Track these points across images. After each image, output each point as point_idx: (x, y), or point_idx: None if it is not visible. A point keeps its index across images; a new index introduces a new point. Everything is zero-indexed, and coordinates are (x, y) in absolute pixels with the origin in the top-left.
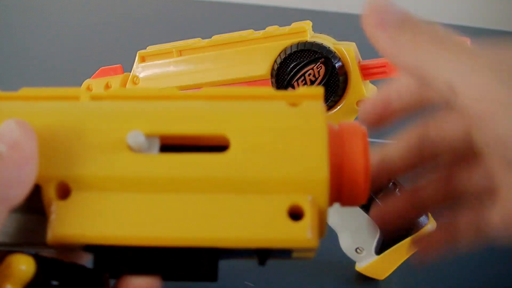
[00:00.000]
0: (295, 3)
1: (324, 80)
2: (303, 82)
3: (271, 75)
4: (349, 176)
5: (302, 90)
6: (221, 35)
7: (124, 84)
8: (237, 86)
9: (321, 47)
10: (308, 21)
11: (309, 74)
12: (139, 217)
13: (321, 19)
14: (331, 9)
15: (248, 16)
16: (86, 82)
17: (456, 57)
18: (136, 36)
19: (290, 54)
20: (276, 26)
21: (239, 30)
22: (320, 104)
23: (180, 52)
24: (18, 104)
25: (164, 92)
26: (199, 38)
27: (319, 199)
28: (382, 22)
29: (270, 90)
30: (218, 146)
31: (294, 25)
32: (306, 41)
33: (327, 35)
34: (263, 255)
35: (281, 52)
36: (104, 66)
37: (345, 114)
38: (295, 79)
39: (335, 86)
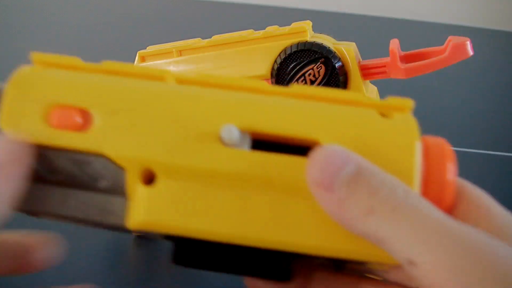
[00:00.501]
0: (295, 3)
1: (324, 80)
2: (303, 82)
3: (271, 75)
4: (435, 193)
5: (392, 100)
6: (221, 35)
7: None
8: (325, 88)
9: (321, 47)
10: (308, 21)
11: (309, 74)
12: (226, 213)
13: (321, 19)
14: (331, 9)
15: (248, 16)
16: None
17: (418, 231)
18: (136, 36)
19: (290, 54)
20: (276, 26)
21: (239, 30)
22: (413, 120)
23: (180, 52)
24: (104, 78)
25: (253, 84)
26: (199, 38)
27: None
28: (330, 182)
29: (360, 95)
30: (304, 147)
31: (294, 25)
32: (306, 41)
33: (327, 35)
34: (340, 262)
35: (281, 52)
36: None
37: None
38: (295, 79)
39: (335, 86)
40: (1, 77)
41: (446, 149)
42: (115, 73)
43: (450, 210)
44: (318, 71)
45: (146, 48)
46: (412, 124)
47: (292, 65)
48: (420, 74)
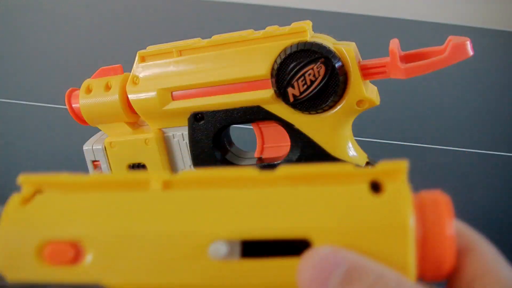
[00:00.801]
0: (295, 3)
1: (324, 80)
2: (303, 82)
3: (271, 75)
4: (435, 253)
5: (384, 166)
6: (221, 35)
7: (124, 84)
8: (313, 164)
9: (321, 47)
10: (308, 21)
11: (309, 74)
12: None
13: (321, 19)
14: (331, 9)
15: (248, 16)
16: (86, 82)
17: None
18: (136, 36)
19: (290, 54)
20: (276, 26)
21: (239, 30)
22: (406, 190)
23: (180, 52)
24: (92, 203)
25: (240, 175)
26: (199, 38)
27: None
28: (323, 283)
29: (349, 167)
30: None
31: (294, 25)
32: (306, 41)
33: (327, 35)
34: None
35: (281, 52)
36: (104, 66)
37: (345, 114)
38: (295, 79)
39: (335, 86)
40: (1, 77)
41: (442, 204)
42: (102, 186)
43: (454, 266)
44: (318, 71)
45: (146, 48)
46: (404, 197)
47: (292, 65)
48: (420, 74)
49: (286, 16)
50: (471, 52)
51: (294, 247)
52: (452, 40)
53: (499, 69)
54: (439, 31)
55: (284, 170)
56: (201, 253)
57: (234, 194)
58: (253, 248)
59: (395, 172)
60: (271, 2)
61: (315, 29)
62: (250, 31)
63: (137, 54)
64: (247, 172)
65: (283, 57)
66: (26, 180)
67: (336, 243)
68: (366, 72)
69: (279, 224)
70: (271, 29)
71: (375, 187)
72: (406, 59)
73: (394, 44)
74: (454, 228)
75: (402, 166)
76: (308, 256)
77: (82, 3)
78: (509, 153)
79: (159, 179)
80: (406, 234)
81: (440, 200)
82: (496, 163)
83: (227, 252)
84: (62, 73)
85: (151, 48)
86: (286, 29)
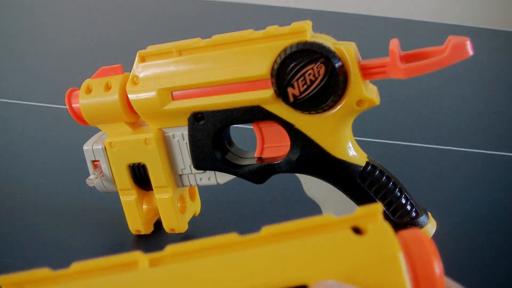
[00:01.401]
0: (295, 3)
1: (324, 80)
2: (303, 82)
3: (271, 75)
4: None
5: (360, 211)
6: (221, 35)
7: (124, 84)
8: (295, 221)
9: (321, 47)
10: (308, 21)
11: (309, 74)
12: None
13: (321, 19)
14: (331, 9)
15: (248, 16)
16: (86, 82)
17: None
18: (136, 36)
19: (290, 54)
20: (276, 26)
21: (239, 30)
22: (387, 227)
23: (180, 52)
24: (72, 285)
25: (224, 239)
26: (199, 38)
27: None
28: None
29: (329, 218)
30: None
31: (294, 25)
32: (306, 41)
33: (327, 35)
34: None
35: (281, 52)
36: (104, 66)
37: (345, 114)
38: (295, 79)
39: (335, 86)
40: (1, 76)
41: (427, 243)
42: (86, 274)
43: None
44: (318, 71)
45: (146, 48)
46: (387, 233)
47: (292, 65)
48: (420, 74)
49: (286, 16)
50: (471, 52)
51: None
52: (452, 39)
53: (500, 69)
54: (439, 31)
55: (267, 230)
56: None
57: (225, 258)
58: None
59: (371, 215)
60: (271, 2)
61: (315, 29)
62: (250, 31)
63: (137, 54)
64: (232, 238)
65: (283, 57)
66: (5, 282)
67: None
68: (366, 72)
69: (277, 277)
70: (271, 29)
71: (357, 231)
72: (406, 59)
73: (394, 44)
74: (441, 267)
75: (376, 208)
76: (316, 285)
77: (83, 2)
78: (510, 153)
79: (146, 258)
80: (397, 262)
81: (422, 238)
82: (496, 163)
83: None
84: (62, 73)
85: (151, 48)
86: (286, 29)
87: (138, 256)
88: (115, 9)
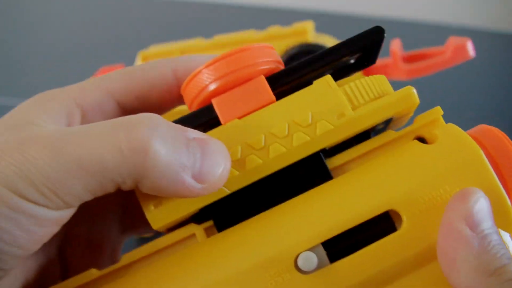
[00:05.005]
0: (297, 3)
1: None
2: None
3: None
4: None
5: (421, 119)
6: (223, 35)
7: None
8: (358, 145)
9: (322, 47)
10: (309, 22)
11: None
12: None
13: (322, 20)
14: (333, 10)
15: (249, 18)
16: None
17: None
18: (137, 36)
19: (291, 55)
20: (277, 27)
21: (241, 31)
22: (455, 127)
23: (182, 53)
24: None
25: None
26: (202, 38)
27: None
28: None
29: (390, 134)
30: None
31: (296, 25)
32: (308, 41)
33: (329, 35)
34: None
35: (283, 53)
36: (105, 65)
37: None
38: None
39: None
40: (1, 76)
41: (498, 134)
42: (146, 261)
43: None
44: None
45: (148, 48)
46: (459, 133)
47: None
48: (422, 75)
49: (288, 17)
50: (472, 54)
51: (376, 232)
52: (453, 41)
53: (500, 71)
54: (439, 31)
55: (331, 161)
56: (290, 273)
57: (288, 204)
58: (335, 252)
59: (434, 118)
60: (273, 3)
61: (317, 30)
62: (252, 31)
63: (140, 54)
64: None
65: (284, 58)
66: None
67: (424, 198)
68: (367, 73)
69: (357, 209)
70: (273, 29)
71: (422, 140)
72: (407, 59)
73: (396, 44)
74: None
75: (436, 112)
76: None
77: (84, 2)
78: None
79: (199, 228)
80: (481, 160)
81: (493, 130)
82: None
83: (317, 260)
84: (63, 73)
85: (153, 48)
86: (288, 29)
87: (194, 228)
88: (116, 8)
